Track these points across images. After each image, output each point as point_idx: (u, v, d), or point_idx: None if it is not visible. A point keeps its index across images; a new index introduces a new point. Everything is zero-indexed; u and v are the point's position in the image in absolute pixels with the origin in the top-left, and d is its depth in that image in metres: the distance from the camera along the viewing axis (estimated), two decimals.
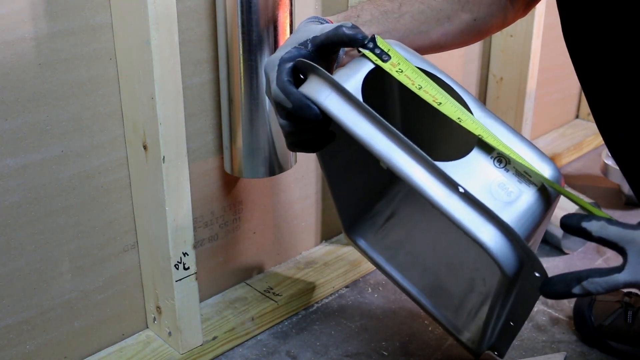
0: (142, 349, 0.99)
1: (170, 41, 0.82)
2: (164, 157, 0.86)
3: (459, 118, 0.69)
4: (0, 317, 0.85)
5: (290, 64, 0.73)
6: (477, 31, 0.88)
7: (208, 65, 0.96)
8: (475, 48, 1.47)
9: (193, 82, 0.95)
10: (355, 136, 0.69)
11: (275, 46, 0.91)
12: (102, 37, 0.85)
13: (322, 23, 0.78)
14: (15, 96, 0.80)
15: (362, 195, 1.05)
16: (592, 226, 0.63)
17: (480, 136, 0.69)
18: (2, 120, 0.80)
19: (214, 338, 1.01)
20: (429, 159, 0.68)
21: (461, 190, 0.67)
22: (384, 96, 0.93)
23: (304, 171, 1.18)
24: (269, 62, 0.75)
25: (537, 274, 0.68)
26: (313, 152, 0.80)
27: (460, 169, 0.69)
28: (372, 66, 0.73)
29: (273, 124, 0.95)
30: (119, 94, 0.89)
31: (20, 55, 0.79)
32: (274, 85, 0.73)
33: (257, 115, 0.94)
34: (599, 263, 1.27)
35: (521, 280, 0.72)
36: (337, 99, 0.70)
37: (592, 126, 1.75)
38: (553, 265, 1.26)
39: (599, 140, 1.75)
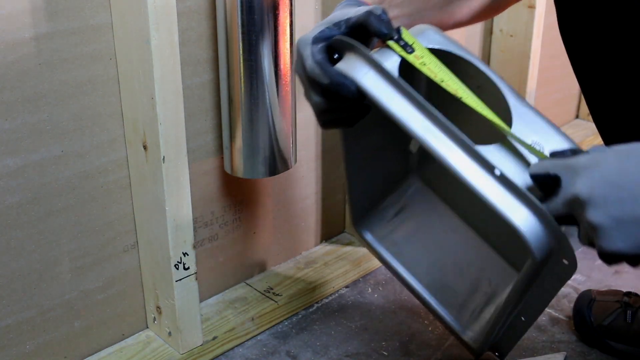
0: (142, 349, 0.99)
1: (170, 41, 0.82)
2: (164, 157, 0.86)
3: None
4: (0, 317, 0.85)
5: (324, 43, 0.72)
6: (497, 6, 0.88)
7: (208, 65, 0.97)
8: (475, 47, 1.47)
9: (193, 82, 0.96)
10: (392, 115, 0.69)
11: (275, 46, 0.91)
12: (102, 37, 0.85)
13: (358, 5, 0.78)
14: (15, 96, 0.80)
15: (375, 187, 1.05)
16: (531, 168, 0.63)
17: (500, 128, 0.68)
18: (2, 120, 0.80)
19: (214, 338, 1.01)
20: (467, 140, 0.67)
21: (497, 173, 0.67)
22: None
23: (304, 171, 1.18)
24: (303, 40, 0.74)
25: (565, 262, 0.68)
26: (346, 127, 0.79)
27: (495, 153, 0.69)
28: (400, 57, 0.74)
29: (274, 123, 0.95)
30: (119, 94, 0.89)
31: (20, 55, 0.79)
32: (309, 62, 0.72)
33: (257, 115, 0.94)
34: (599, 263, 1.26)
35: (547, 268, 0.72)
36: (375, 76, 0.70)
37: (592, 126, 1.74)
38: None
39: (599, 140, 1.74)
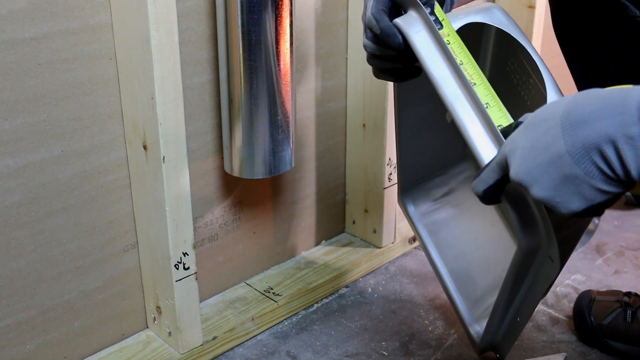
0: (142, 349, 0.99)
1: (170, 41, 0.82)
2: (164, 157, 0.86)
3: (487, 103, 0.71)
4: (0, 317, 0.85)
5: None
6: None
7: (208, 65, 0.97)
8: None
9: (193, 82, 0.96)
10: (430, 75, 0.72)
11: (275, 46, 0.91)
12: (102, 37, 0.85)
13: None
14: (15, 96, 0.80)
15: (428, 162, 1.06)
16: (477, 188, 0.65)
17: (500, 126, 0.69)
18: (2, 120, 0.80)
19: (214, 338, 1.01)
20: (489, 116, 0.69)
21: None
22: None
23: (304, 171, 1.18)
24: None
25: (551, 260, 0.70)
26: (395, 81, 0.83)
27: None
28: (461, 24, 0.76)
29: (274, 124, 0.95)
30: (119, 94, 0.89)
31: (20, 55, 0.79)
32: (367, 12, 0.76)
33: (257, 115, 0.94)
34: (599, 263, 1.27)
35: (537, 264, 0.74)
36: (426, 36, 0.73)
37: None
38: None
39: None
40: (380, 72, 0.82)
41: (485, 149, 0.68)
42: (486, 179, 0.63)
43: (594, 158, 0.52)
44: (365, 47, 0.79)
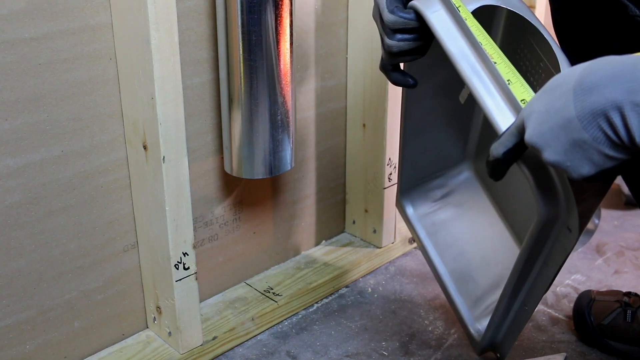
0: (142, 349, 0.99)
1: (170, 41, 0.83)
2: (164, 157, 0.86)
3: (508, 80, 0.71)
4: (0, 317, 0.85)
5: None
6: None
7: (208, 65, 0.97)
8: None
9: (193, 82, 0.96)
10: (448, 52, 0.72)
11: (275, 46, 0.91)
12: (102, 37, 0.85)
13: None
14: (15, 96, 0.80)
15: (428, 163, 1.06)
16: (495, 151, 0.66)
17: (523, 101, 0.69)
18: (2, 120, 0.80)
19: (214, 338, 1.01)
20: (507, 86, 0.69)
21: None
22: None
23: (304, 171, 1.18)
24: None
25: (569, 229, 0.71)
26: (414, 86, 0.83)
27: None
28: (476, 6, 0.77)
29: (274, 124, 0.95)
30: (119, 94, 0.89)
31: (20, 55, 0.79)
32: (386, 14, 0.76)
33: (257, 115, 0.94)
34: (599, 263, 1.27)
35: (553, 236, 0.74)
36: (445, 15, 0.73)
37: None
38: None
39: None
40: (400, 78, 0.81)
41: (503, 118, 0.68)
42: (506, 142, 0.64)
43: (601, 124, 0.53)
44: (391, 47, 0.77)
